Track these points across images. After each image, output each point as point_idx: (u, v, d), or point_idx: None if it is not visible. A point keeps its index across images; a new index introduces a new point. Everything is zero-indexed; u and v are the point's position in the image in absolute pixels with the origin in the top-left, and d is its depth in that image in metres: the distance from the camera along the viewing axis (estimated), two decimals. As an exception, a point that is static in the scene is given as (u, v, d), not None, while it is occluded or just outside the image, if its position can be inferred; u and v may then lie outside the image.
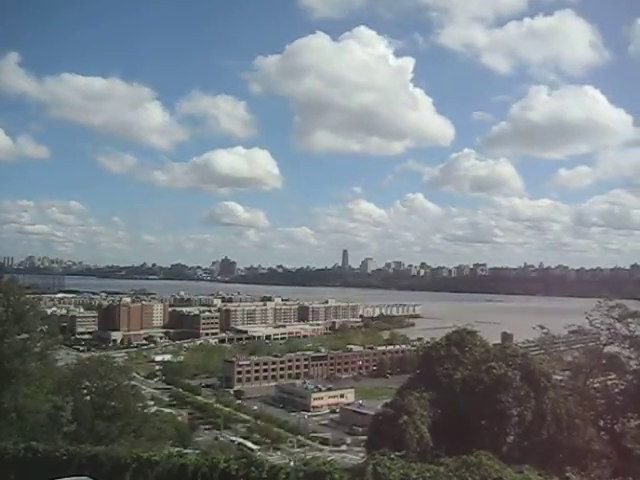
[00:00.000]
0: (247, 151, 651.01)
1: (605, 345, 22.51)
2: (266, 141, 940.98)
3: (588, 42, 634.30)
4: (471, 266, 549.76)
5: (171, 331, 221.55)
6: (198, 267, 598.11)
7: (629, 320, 21.76)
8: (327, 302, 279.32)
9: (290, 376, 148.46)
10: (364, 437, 34.66)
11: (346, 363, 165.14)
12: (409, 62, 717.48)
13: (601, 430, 20.06)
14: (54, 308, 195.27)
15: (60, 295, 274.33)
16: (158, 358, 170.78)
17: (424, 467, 10.40)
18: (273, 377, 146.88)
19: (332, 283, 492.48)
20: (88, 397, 34.54)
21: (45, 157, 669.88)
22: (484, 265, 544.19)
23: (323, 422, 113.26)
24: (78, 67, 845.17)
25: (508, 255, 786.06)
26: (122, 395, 35.30)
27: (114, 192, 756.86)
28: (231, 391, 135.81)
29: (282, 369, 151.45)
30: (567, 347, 33.77)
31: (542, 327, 25.57)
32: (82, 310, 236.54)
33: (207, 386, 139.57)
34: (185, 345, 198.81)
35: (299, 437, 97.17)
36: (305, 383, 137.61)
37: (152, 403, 57.56)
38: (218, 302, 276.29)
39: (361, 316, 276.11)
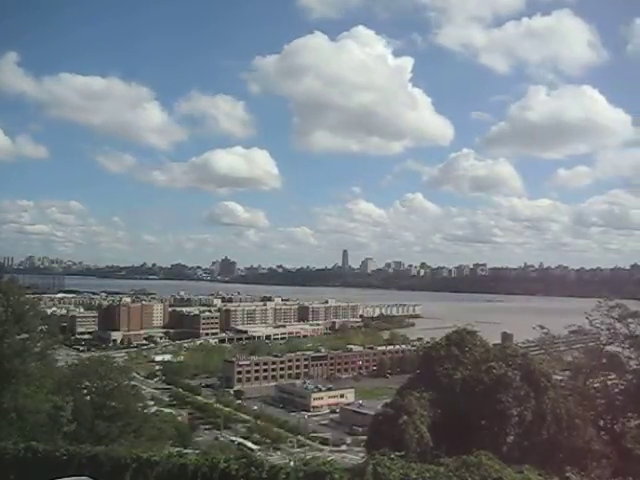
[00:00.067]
0: (246, 151, 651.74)
1: (605, 345, 22.51)
2: (265, 141, 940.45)
3: (586, 42, 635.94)
4: (471, 266, 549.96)
5: (171, 331, 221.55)
6: (198, 267, 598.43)
7: (629, 320, 21.76)
8: (327, 302, 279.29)
9: (290, 376, 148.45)
10: (364, 437, 34.65)
11: (346, 363, 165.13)
12: (408, 62, 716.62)
13: (601, 430, 20.05)
14: (54, 308, 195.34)
15: (60, 295, 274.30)
16: (158, 358, 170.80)
17: (424, 467, 10.40)
18: (273, 377, 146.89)
19: (332, 283, 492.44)
20: (88, 397, 34.53)
21: (44, 157, 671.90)
22: (484, 265, 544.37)
23: (323, 422, 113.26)
24: (77, 67, 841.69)
25: (508, 255, 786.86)
26: (122, 395, 35.30)
27: (114, 192, 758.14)
28: (231, 391, 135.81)
29: (282, 369, 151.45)
30: (567, 347, 33.74)
31: (542, 327, 25.57)
32: (82, 310, 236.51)
33: (207, 386, 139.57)
34: (185, 345, 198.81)
35: (299, 437, 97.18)
36: (305, 383, 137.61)
37: (152, 403, 57.59)
38: (218, 302, 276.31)
39: (361, 316, 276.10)
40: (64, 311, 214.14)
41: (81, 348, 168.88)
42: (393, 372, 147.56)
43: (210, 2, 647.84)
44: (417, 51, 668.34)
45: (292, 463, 11.71)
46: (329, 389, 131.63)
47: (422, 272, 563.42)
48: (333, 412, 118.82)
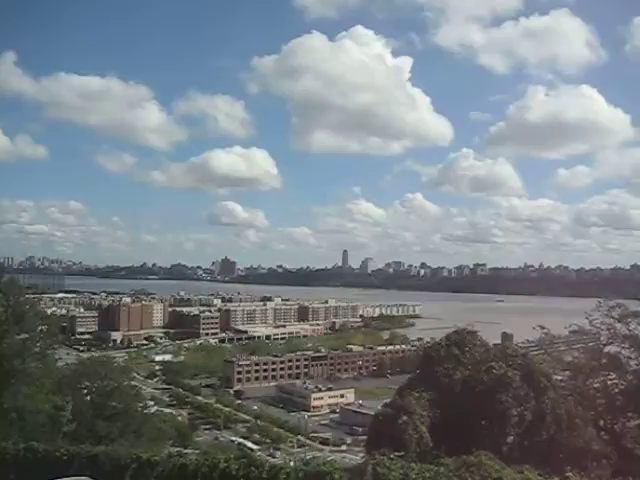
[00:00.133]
0: (245, 151, 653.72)
1: (605, 345, 22.50)
2: (264, 141, 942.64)
3: (585, 41, 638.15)
4: (471, 266, 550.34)
5: (171, 331, 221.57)
6: (198, 267, 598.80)
7: (629, 320, 21.75)
8: (327, 302, 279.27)
9: (290, 376, 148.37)
10: (364, 437, 34.65)
11: (346, 363, 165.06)
12: (406, 62, 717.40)
13: (601, 430, 20.04)
14: (54, 308, 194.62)
15: (60, 295, 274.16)
16: (158, 358, 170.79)
17: (424, 467, 10.40)
18: (273, 377, 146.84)
19: (332, 283, 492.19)
20: (88, 397, 34.59)
21: (43, 157, 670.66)
22: (484, 265, 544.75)
23: (323, 422, 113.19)
24: (75, 66, 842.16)
25: (508, 255, 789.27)
26: (122, 395, 35.37)
27: (113, 192, 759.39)
28: (231, 391, 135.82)
29: (282, 369, 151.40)
30: (567, 347, 33.67)
31: (542, 327, 25.56)
32: (82, 310, 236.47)
33: (207, 386, 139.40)
34: (185, 345, 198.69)
35: (299, 437, 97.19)
36: (305, 383, 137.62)
37: (152, 403, 57.54)
38: (218, 302, 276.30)
39: (361, 316, 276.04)
40: (64, 311, 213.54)
41: (81, 348, 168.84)
42: (393, 372, 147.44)
43: (207, 2, 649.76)
44: (416, 51, 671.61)
45: (292, 463, 11.71)
46: (329, 389, 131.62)
47: (422, 272, 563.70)
48: (333, 412, 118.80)
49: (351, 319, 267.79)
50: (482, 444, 14.15)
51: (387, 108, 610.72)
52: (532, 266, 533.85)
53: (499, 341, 61.94)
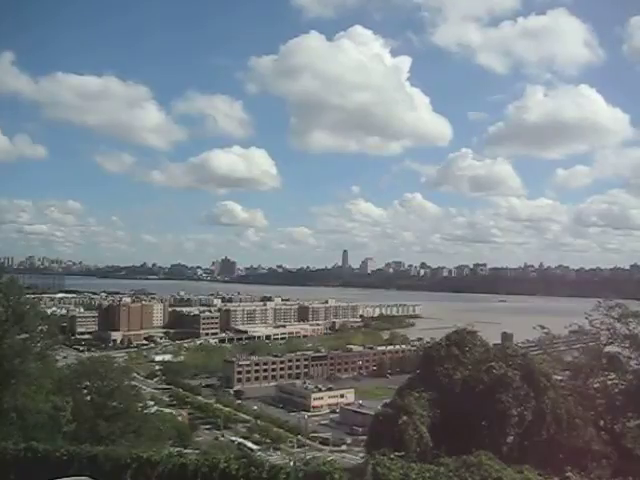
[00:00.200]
0: (244, 151, 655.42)
1: (605, 345, 22.49)
2: (263, 141, 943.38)
3: (582, 41, 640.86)
4: (471, 266, 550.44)
5: (171, 331, 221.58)
6: (198, 267, 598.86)
7: (629, 320, 21.74)
8: (327, 302, 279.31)
9: (290, 376, 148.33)
10: (364, 437, 34.65)
11: (346, 363, 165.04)
12: (405, 61, 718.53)
13: (601, 430, 20.03)
14: (54, 308, 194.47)
15: (60, 295, 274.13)
16: (158, 358, 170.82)
17: (424, 467, 10.41)
18: (273, 377, 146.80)
19: (332, 283, 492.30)
20: (89, 397, 34.58)
21: (42, 157, 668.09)
22: (484, 265, 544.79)
23: (323, 422, 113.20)
24: (73, 66, 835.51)
25: (507, 255, 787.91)
26: (123, 395, 35.39)
27: (112, 192, 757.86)
28: (231, 391, 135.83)
29: (282, 369, 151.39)
30: (567, 347, 33.70)
31: (542, 327, 25.57)
32: (82, 310, 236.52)
33: (207, 386, 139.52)
34: (185, 345, 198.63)
35: (299, 437, 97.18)
36: (305, 383, 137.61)
37: (152, 403, 57.53)
38: (218, 302, 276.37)
39: (361, 316, 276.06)
40: (64, 311, 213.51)
41: (81, 348, 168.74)
42: (393, 372, 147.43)
43: (205, 1, 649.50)
44: (414, 51, 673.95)
45: (292, 463, 11.71)
46: (329, 389, 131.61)
47: (422, 272, 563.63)
48: (333, 412, 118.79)
49: (351, 319, 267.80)
50: (482, 444, 14.16)
51: (386, 108, 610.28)
52: (532, 266, 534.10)
53: (499, 341, 62.08)
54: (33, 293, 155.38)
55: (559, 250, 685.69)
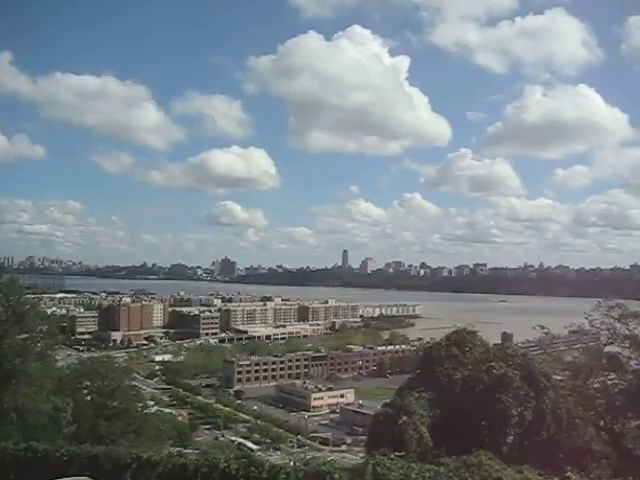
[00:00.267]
0: (244, 151, 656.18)
1: (605, 345, 22.50)
2: (262, 141, 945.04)
3: (580, 41, 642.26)
4: (471, 266, 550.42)
5: (171, 331, 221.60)
6: (198, 267, 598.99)
7: (629, 320, 21.74)
8: (327, 302, 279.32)
9: (290, 376, 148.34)
10: (364, 437, 34.64)
11: (346, 363, 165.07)
12: (404, 61, 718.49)
13: (601, 430, 20.02)
14: (54, 308, 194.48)
15: (60, 295, 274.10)
16: (158, 358, 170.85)
17: (424, 467, 10.40)
18: (273, 377, 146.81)
19: (332, 283, 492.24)
20: (89, 397, 34.58)
21: (41, 156, 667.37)
22: (484, 265, 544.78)
23: (323, 422, 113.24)
24: (70, 66, 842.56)
25: (507, 255, 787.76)
26: (123, 395, 35.40)
27: (112, 192, 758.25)
28: (231, 391, 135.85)
29: (282, 369, 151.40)
30: (567, 347, 33.72)
31: (542, 327, 25.57)
32: (82, 310, 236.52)
33: (207, 386, 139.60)
34: (185, 345, 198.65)
35: (299, 437, 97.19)
36: (305, 383, 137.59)
37: (152, 403, 57.51)
38: (218, 302, 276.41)
39: (361, 316, 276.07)
40: (64, 311, 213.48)
41: (81, 348, 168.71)
42: (393, 372, 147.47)
43: (202, 1, 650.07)
44: (413, 50, 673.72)
45: (292, 463, 11.70)
46: (329, 389, 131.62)
47: (422, 272, 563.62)
48: (333, 412, 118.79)
49: (351, 319, 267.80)
50: (482, 444, 14.16)
51: (385, 108, 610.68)
52: (532, 266, 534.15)
53: (499, 341, 62.03)
54: (33, 293, 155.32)
55: (559, 250, 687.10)
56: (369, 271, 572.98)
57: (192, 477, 11.51)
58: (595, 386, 21.73)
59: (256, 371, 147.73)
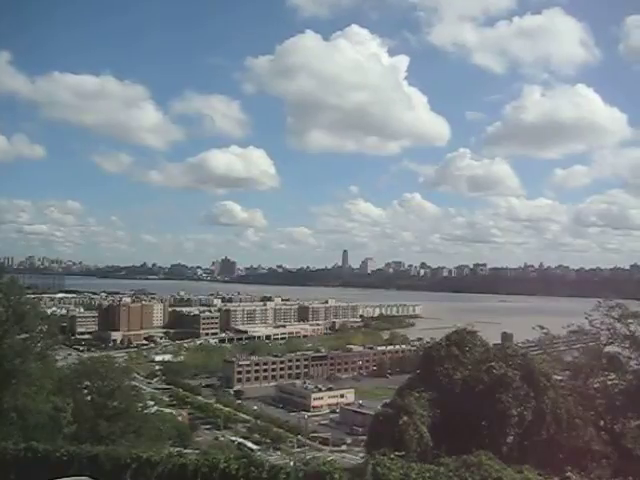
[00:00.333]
0: (243, 150, 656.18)
1: (605, 345, 22.50)
2: (261, 141, 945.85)
3: (578, 41, 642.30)
4: (471, 266, 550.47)
5: (171, 331, 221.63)
6: (198, 267, 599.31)
7: (629, 320, 21.74)
8: (327, 302, 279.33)
9: (290, 376, 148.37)
10: (364, 437, 34.64)
11: (346, 363, 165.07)
12: (402, 61, 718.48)
13: (601, 430, 20.03)
14: (54, 308, 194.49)
15: (60, 295, 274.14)
16: (158, 358, 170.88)
17: (424, 467, 10.40)
18: (273, 377, 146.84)
19: (332, 283, 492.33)
20: (89, 397, 34.58)
21: (40, 156, 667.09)
22: (484, 265, 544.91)
23: (323, 422, 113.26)
24: (69, 65, 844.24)
25: (507, 255, 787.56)
26: (123, 395, 35.38)
27: (111, 192, 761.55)
28: (231, 391, 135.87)
29: (282, 369, 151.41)
30: (567, 347, 33.70)
31: (542, 327, 25.57)
32: (82, 310, 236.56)
33: (207, 386, 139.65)
34: (185, 345, 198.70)
35: (299, 437, 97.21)
36: (305, 383, 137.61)
37: (152, 403, 57.50)
38: (218, 302, 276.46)
39: (361, 316, 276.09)
40: (64, 311, 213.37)
41: (81, 348, 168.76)
42: (393, 372, 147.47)
43: (200, 2, 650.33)
44: (411, 50, 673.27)
45: (292, 463, 11.70)
46: (329, 389, 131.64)
47: (422, 272, 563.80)
48: (333, 412, 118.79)
49: (351, 319, 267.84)
50: (482, 444, 14.16)
51: (383, 107, 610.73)
52: (532, 266, 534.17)
53: (499, 341, 62.02)
54: (33, 293, 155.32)
55: (559, 250, 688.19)
56: (369, 271, 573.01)
57: (192, 477, 11.51)
58: (595, 386, 21.72)
59: (256, 371, 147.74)
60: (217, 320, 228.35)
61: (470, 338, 21.18)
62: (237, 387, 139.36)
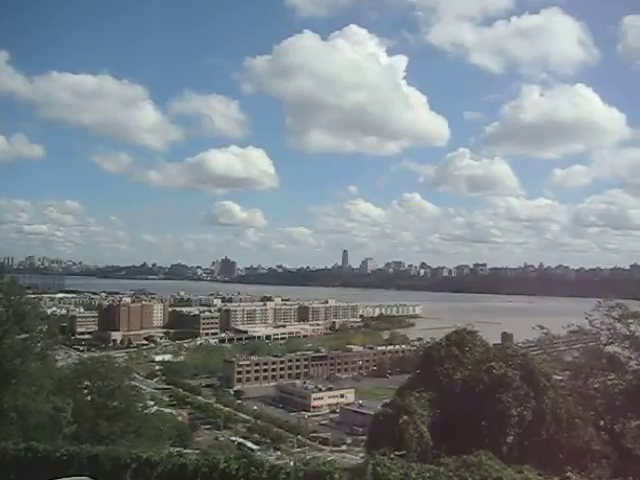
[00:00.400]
0: (242, 150, 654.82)
1: (605, 345, 22.49)
2: (260, 141, 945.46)
3: (577, 40, 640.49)
4: (471, 266, 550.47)
5: (171, 331, 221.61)
6: (198, 267, 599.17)
7: (629, 320, 21.74)
8: (327, 302, 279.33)
9: (290, 376, 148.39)
10: (364, 437, 34.64)
11: (346, 363, 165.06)
12: (401, 60, 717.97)
13: (601, 430, 20.03)
14: (54, 308, 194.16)
15: (60, 295, 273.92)
16: (158, 358, 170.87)
17: (424, 467, 10.40)
18: (273, 377, 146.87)
19: (332, 283, 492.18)
20: (89, 397, 34.56)
21: (39, 156, 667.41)
22: (484, 265, 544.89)
23: (323, 422, 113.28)
24: (67, 65, 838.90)
25: (507, 255, 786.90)
26: (123, 395, 35.34)
27: (111, 192, 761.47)
28: (231, 391, 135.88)
29: (282, 369, 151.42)
30: (567, 347, 33.74)
31: (542, 327, 25.57)
32: (82, 310, 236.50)
33: (207, 386, 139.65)
34: (185, 345, 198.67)
35: (299, 437, 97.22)
36: (305, 383, 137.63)
37: (152, 403, 57.49)
38: (218, 302, 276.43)
39: (361, 316, 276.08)
40: (64, 311, 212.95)
41: (81, 348, 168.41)
42: (393, 372, 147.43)
43: (198, 2, 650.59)
44: (410, 50, 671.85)
45: (292, 463, 11.70)
46: (329, 389, 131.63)
47: (422, 272, 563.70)
48: (333, 412, 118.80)
49: (351, 319, 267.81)
50: (482, 444, 14.16)
51: (382, 107, 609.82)
52: (532, 266, 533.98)
53: (499, 341, 62.04)
54: (33, 293, 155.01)
55: (559, 250, 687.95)
56: (369, 271, 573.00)
57: (192, 477, 11.50)
58: (595, 386, 21.72)
59: (256, 371, 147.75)
60: (217, 320, 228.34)
61: (470, 338, 21.19)
62: (237, 387, 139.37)
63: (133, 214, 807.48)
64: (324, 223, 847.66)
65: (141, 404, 38.81)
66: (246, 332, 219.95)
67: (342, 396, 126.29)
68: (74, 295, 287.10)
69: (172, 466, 12.02)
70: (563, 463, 16.01)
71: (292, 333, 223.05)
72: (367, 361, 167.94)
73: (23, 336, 28.48)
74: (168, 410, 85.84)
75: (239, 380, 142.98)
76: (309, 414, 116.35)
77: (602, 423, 20.50)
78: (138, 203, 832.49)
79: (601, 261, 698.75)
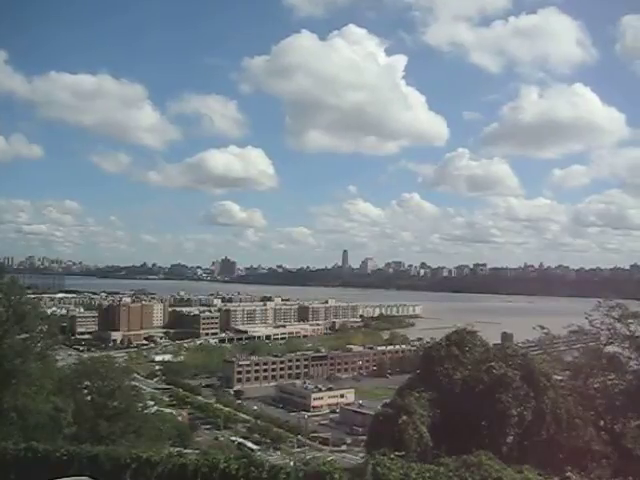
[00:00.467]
0: (241, 150, 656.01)
1: (605, 345, 22.50)
2: (259, 141, 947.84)
3: (575, 40, 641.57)
4: (471, 266, 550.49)
5: (171, 331, 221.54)
6: (198, 267, 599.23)
7: (629, 320, 21.74)
8: (327, 302, 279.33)
9: (290, 376, 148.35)
10: (364, 437, 34.66)
11: (346, 363, 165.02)
12: (400, 60, 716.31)
13: (601, 430, 20.04)
14: (54, 308, 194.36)
15: (60, 295, 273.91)
16: (158, 358, 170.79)
17: (424, 467, 10.40)
18: (273, 377, 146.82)
19: (332, 283, 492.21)
20: (89, 397, 34.57)
21: (38, 156, 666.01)
22: (484, 265, 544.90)
23: (323, 422, 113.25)
24: (66, 65, 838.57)
25: (507, 255, 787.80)
26: (123, 395, 35.36)
27: (110, 192, 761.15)
28: (231, 391, 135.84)
29: (282, 369, 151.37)
30: (567, 347, 33.72)
31: (542, 327, 25.57)
32: (82, 310, 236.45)
33: (207, 386, 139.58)
34: (185, 345, 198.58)
35: (299, 437, 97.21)
36: (305, 383, 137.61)
37: (152, 403, 57.51)
38: (218, 302, 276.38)
39: (361, 316, 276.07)
40: (64, 311, 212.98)
41: (81, 348, 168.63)
42: (393, 372, 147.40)
43: (197, 2, 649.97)
44: (408, 50, 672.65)
45: (292, 463, 11.71)
46: (329, 389, 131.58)
47: (422, 272, 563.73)
48: (333, 412, 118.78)
49: (351, 319, 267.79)
50: (482, 444, 14.17)
51: (381, 107, 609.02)
52: (532, 266, 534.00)
53: (499, 341, 62.05)
54: (33, 293, 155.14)
55: (559, 250, 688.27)
56: (369, 271, 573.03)
57: (192, 477, 11.51)
58: (595, 386, 21.73)
59: (256, 371, 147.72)
60: (217, 320, 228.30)
61: (470, 338, 21.20)
62: (237, 387, 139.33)
63: (133, 214, 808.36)
64: (324, 223, 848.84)
65: (141, 404, 38.82)
66: (246, 332, 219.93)
67: (342, 396, 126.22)
68: (74, 295, 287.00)
69: (172, 466, 12.03)
70: (563, 463, 16.02)
71: (292, 333, 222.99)
72: (367, 361, 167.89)
73: (23, 336, 28.50)
74: (168, 410, 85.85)
75: (239, 380, 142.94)
76: (309, 414, 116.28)
77: (602, 423, 20.51)
78: (138, 203, 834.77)
79: (601, 261, 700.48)
